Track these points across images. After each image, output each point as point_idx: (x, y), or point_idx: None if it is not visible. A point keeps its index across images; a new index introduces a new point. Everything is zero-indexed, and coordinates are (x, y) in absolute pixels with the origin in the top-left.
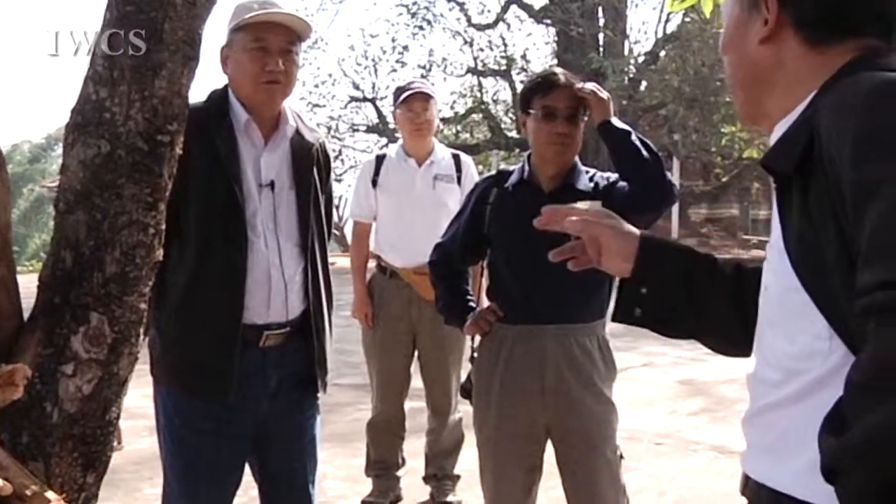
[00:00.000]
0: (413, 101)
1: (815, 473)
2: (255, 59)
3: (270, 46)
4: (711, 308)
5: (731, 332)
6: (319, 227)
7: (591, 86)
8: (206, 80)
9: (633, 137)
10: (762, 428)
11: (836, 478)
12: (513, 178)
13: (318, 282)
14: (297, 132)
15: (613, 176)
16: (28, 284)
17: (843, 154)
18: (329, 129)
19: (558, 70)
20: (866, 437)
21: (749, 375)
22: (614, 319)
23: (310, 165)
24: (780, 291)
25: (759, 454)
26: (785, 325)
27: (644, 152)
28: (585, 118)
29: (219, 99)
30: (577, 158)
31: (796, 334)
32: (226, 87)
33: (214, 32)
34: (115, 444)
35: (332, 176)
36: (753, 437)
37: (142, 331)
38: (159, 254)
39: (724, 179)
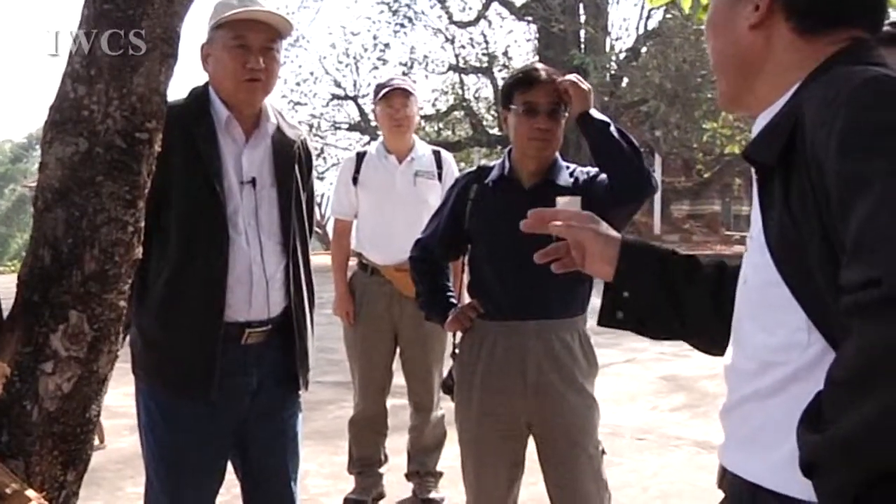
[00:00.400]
0: (392, 98)
1: (792, 466)
2: (236, 57)
3: (251, 44)
4: (693, 309)
5: (714, 332)
6: (301, 225)
7: (571, 77)
8: (185, 76)
9: (612, 129)
10: (739, 420)
11: (815, 473)
12: (493, 174)
13: (300, 279)
14: (279, 129)
15: (593, 170)
16: (9, 284)
17: (828, 148)
18: (311, 126)
19: (539, 66)
20: (848, 433)
21: (726, 367)
22: (599, 323)
23: (291, 162)
24: (760, 284)
25: (736, 446)
26: (764, 317)
27: (622, 143)
28: (566, 114)
29: (199, 96)
30: (557, 154)
31: (775, 327)
32: (206, 84)
33: (193, 29)
34: (96, 442)
35: (314, 173)
36: (731, 429)
37: (122, 329)
38: (138, 251)
39: (705, 175)
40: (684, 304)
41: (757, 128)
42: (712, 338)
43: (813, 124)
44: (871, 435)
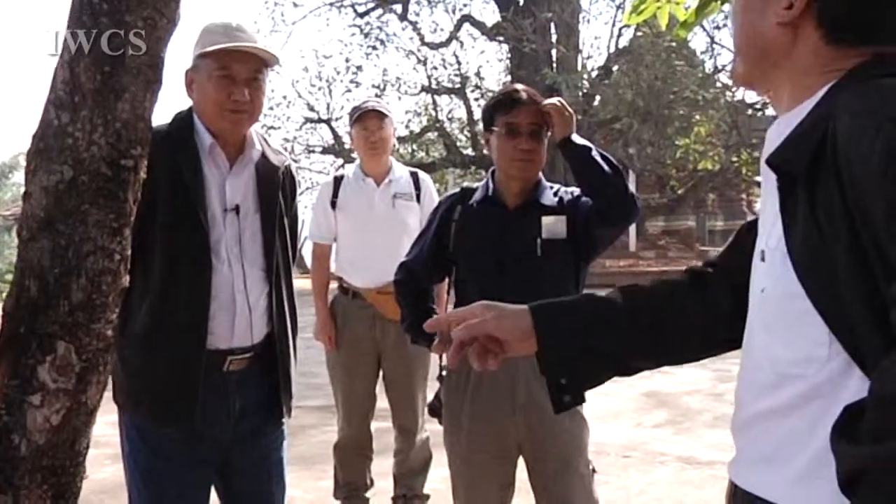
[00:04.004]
0: (367, 120)
1: (809, 482)
2: (221, 88)
3: (236, 75)
4: (628, 344)
5: (653, 354)
6: (284, 251)
7: (554, 101)
8: (169, 102)
9: (595, 153)
10: (756, 437)
11: (862, 483)
12: (477, 195)
13: (283, 306)
14: (263, 155)
15: (578, 190)
16: None
17: (868, 163)
18: (285, 150)
19: (520, 87)
20: None
21: (738, 381)
22: (557, 412)
23: (275, 189)
24: (779, 295)
25: (751, 463)
26: (782, 329)
27: (606, 167)
28: (549, 134)
29: (183, 122)
30: (541, 174)
31: (794, 339)
32: (190, 109)
33: (177, 54)
34: None
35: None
36: (745, 445)
37: (109, 358)
38: (125, 280)
39: (679, 192)
40: (617, 345)
41: (776, 133)
42: (652, 359)
43: (849, 137)
44: None
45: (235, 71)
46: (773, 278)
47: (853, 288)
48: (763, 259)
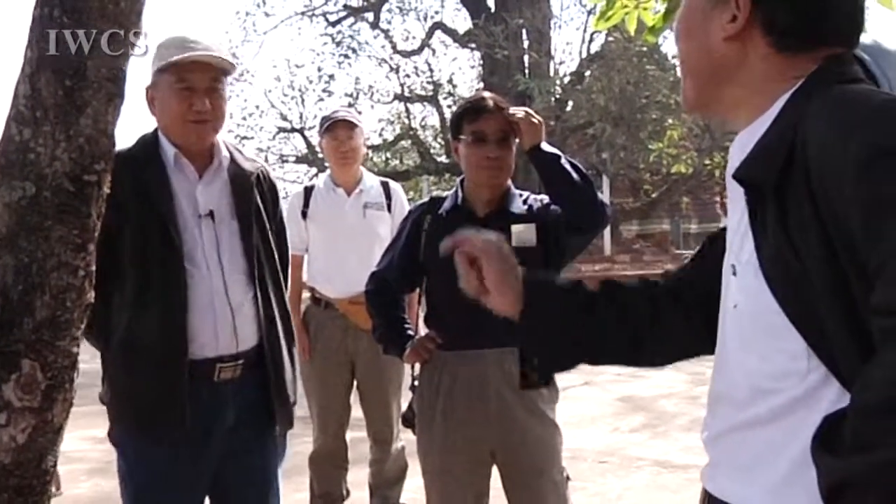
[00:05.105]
0: (337, 130)
1: (785, 491)
2: (182, 99)
3: (196, 86)
4: (608, 340)
5: (627, 353)
6: (269, 255)
7: (522, 111)
8: (133, 117)
9: (563, 161)
10: (732, 448)
11: (846, 495)
12: (446, 204)
13: (272, 311)
14: (234, 161)
15: (547, 197)
16: None
17: (842, 172)
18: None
19: (487, 94)
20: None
21: (711, 393)
22: (522, 388)
23: (250, 194)
24: (754, 310)
25: (727, 473)
26: (758, 344)
27: (575, 175)
28: (517, 141)
29: (147, 142)
30: (510, 182)
31: (771, 353)
32: (155, 130)
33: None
34: (53, 490)
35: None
36: (720, 456)
37: (75, 375)
38: (90, 296)
39: (653, 195)
40: (598, 334)
41: (739, 146)
42: (631, 360)
43: (819, 146)
44: None
45: (194, 81)
46: (746, 294)
47: (829, 300)
48: (735, 274)
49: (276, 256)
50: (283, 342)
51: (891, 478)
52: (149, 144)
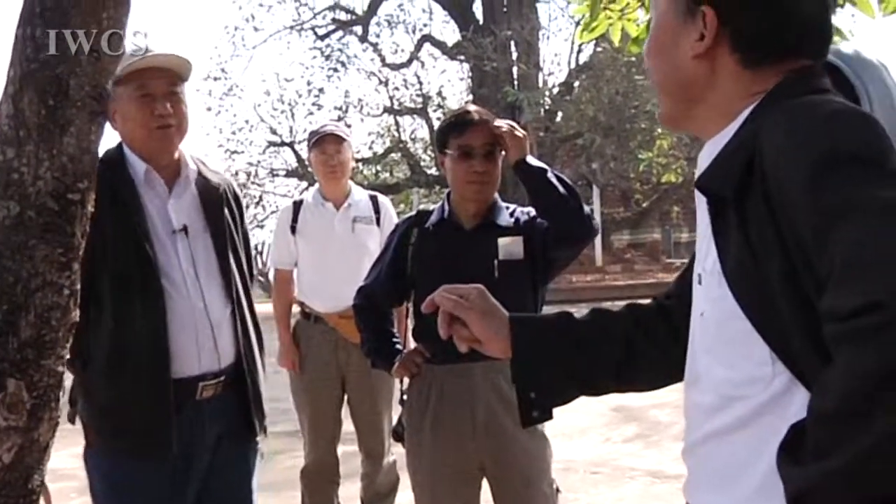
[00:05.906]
0: (325, 144)
1: (758, 502)
2: (143, 107)
3: (154, 91)
4: (601, 367)
5: (623, 379)
6: (240, 269)
7: (506, 124)
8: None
9: (550, 175)
10: (704, 458)
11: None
12: (433, 218)
13: (247, 324)
14: (201, 175)
15: (534, 211)
16: None
17: (795, 179)
18: (248, 175)
19: (472, 108)
20: (850, 462)
21: (685, 403)
22: (524, 426)
23: (220, 207)
24: (719, 318)
25: (701, 484)
26: (724, 351)
27: (561, 189)
28: (503, 154)
29: (112, 157)
30: (496, 195)
31: (737, 360)
32: (119, 144)
33: None
34: None
35: (253, 221)
36: (695, 467)
37: (60, 394)
38: (75, 315)
39: (644, 205)
40: (585, 369)
41: (706, 155)
42: (629, 385)
43: (775, 154)
44: (874, 462)
45: (153, 88)
46: (711, 301)
47: (788, 306)
48: (700, 282)
49: (246, 269)
50: (256, 353)
51: (843, 485)
52: (115, 160)
